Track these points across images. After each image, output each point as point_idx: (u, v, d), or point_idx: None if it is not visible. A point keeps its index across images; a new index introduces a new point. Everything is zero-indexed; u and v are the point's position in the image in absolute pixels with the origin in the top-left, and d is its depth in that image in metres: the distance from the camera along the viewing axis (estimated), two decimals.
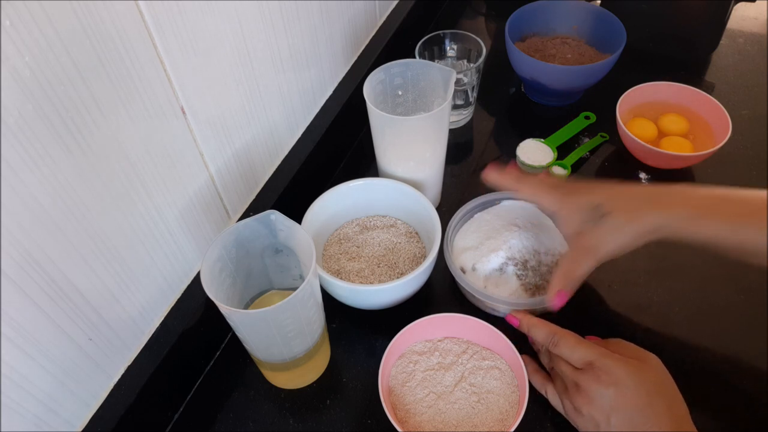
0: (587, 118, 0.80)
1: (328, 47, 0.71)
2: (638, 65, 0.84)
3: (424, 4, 0.93)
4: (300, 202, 0.63)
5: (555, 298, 0.55)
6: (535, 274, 0.61)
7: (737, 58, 0.88)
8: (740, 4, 0.88)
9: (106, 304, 0.48)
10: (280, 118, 0.66)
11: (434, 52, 0.80)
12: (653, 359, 0.50)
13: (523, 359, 0.54)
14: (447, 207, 0.72)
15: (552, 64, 0.79)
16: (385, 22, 0.86)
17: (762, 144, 0.76)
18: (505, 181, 0.60)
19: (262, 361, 0.55)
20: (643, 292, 0.64)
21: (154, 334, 0.55)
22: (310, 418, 0.57)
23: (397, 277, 0.62)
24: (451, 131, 0.77)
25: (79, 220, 0.43)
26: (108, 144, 0.44)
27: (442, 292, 0.65)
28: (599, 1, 0.89)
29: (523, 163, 0.75)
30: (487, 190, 0.67)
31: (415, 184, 0.65)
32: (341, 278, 0.62)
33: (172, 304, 0.57)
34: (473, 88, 0.78)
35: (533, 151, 0.75)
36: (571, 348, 0.51)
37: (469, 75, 0.76)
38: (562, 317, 0.62)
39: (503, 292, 0.60)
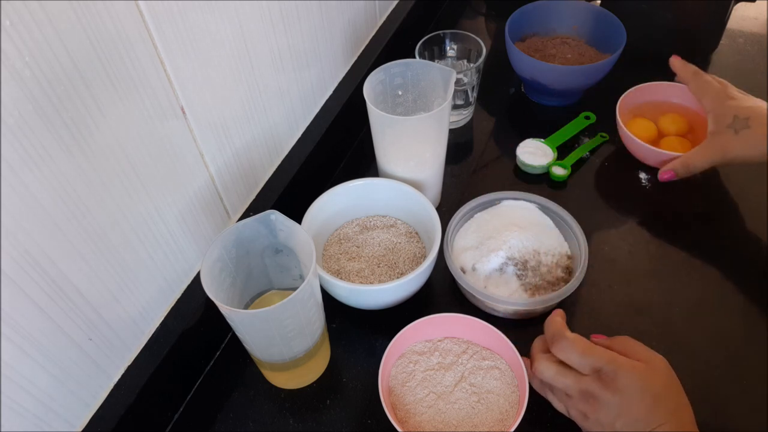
0: (587, 118, 0.80)
1: (328, 47, 0.71)
2: (638, 65, 0.84)
3: (424, 4, 0.93)
4: (300, 202, 0.63)
5: (665, 173, 0.68)
6: (535, 274, 0.61)
7: (737, 58, 0.88)
8: (740, 4, 0.88)
9: (106, 304, 0.48)
10: (280, 118, 0.66)
11: (434, 52, 0.80)
12: (660, 361, 0.49)
13: (524, 361, 0.54)
14: (447, 207, 0.72)
15: (552, 64, 0.79)
16: (385, 22, 0.86)
17: None
18: (686, 71, 0.72)
19: (262, 361, 0.55)
20: (643, 292, 0.64)
21: (154, 334, 0.55)
22: (310, 418, 0.57)
23: (397, 277, 0.62)
24: (451, 131, 0.77)
25: (79, 220, 0.43)
26: (108, 144, 0.44)
27: (442, 292, 0.65)
28: (599, 1, 0.89)
29: (523, 163, 0.75)
30: (487, 189, 0.67)
31: (415, 184, 0.65)
32: (341, 278, 0.62)
33: (172, 304, 0.57)
34: (473, 88, 0.78)
35: (533, 151, 0.75)
36: (579, 354, 0.50)
37: (469, 75, 0.76)
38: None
39: (503, 292, 0.60)
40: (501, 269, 0.61)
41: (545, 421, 0.55)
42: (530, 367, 0.54)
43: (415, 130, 0.62)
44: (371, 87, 0.62)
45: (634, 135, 0.72)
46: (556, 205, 0.65)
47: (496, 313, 0.62)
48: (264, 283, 0.59)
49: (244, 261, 0.54)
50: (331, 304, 0.61)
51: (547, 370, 0.51)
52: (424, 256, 0.64)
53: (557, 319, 0.53)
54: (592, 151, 0.78)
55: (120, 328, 0.51)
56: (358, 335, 0.62)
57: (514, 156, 0.76)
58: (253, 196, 0.65)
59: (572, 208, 0.64)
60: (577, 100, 0.84)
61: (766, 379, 0.57)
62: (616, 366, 0.48)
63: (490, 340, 0.57)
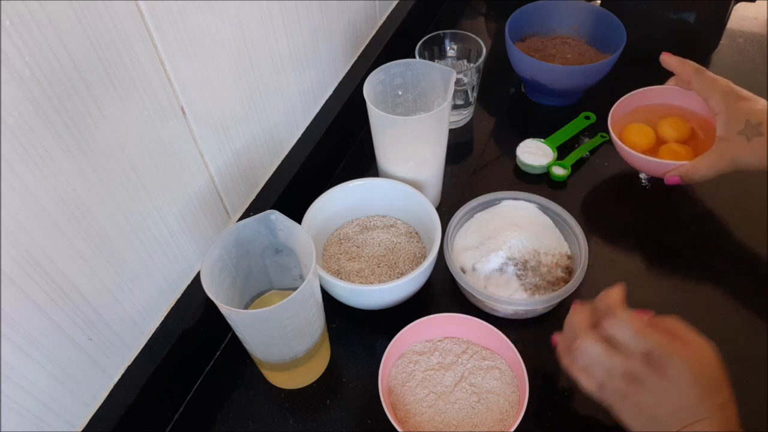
0: (587, 118, 0.80)
1: (328, 47, 0.71)
2: (638, 65, 0.84)
3: (424, 4, 0.93)
4: (300, 202, 0.63)
5: (671, 178, 0.64)
6: (535, 274, 0.61)
7: (737, 58, 0.88)
8: (740, 4, 0.88)
9: (106, 304, 0.48)
10: (280, 118, 0.66)
11: (434, 52, 0.80)
12: (711, 350, 0.47)
13: (554, 340, 0.54)
14: (447, 207, 0.72)
15: (552, 64, 0.79)
16: (385, 22, 0.86)
17: None
18: (684, 69, 0.66)
19: (262, 361, 0.55)
20: (643, 292, 0.64)
21: (154, 334, 0.55)
22: (310, 418, 0.57)
23: (397, 277, 0.62)
24: (451, 131, 0.77)
25: (79, 220, 0.43)
26: (108, 144, 0.44)
27: (442, 292, 0.65)
28: (599, 1, 0.89)
29: (523, 163, 0.75)
30: (487, 189, 0.67)
31: (415, 184, 0.65)
32: (341, 278, 0.62)
33: (172, 304, 0.57)
34: (473, 88, 0.78)
35: (533, 151, 0.75)
36: (633, 334, 0.47)
37: (469, 75, 0.76)
38: (561, 319, 0.62)
39: (503, 292, 0.60)
40: (501, 269, 0.61)
41: (545, 421, 0.55)
42: (561, 344, 0.52)
43: (415, 130, 0.62)
44: (371, 87, 0.62)
45: (631, 143, 0.69)
46: (556, 205, 0.65)
47: (496, 313, 0.62)
48: (264, 283, 0.59)
49: (244, 261, 0.54)
50: (331, 304, 0.61)
51: (593, 347, 0.48)
52: (424, 256, 0.64)
53: (617, 292, 0.50)
54: (592, 151, 0.78)
55: (120, 328, 0.51)
56: (358, 335, 0.62)
57: (514, 156, 0.76)
58: (253, 196, 0.65)
59: (572, 208, 0.64)
60: (577, 100, 0.84)
61: (766, 379, 0.57)
62: (669, 351, 0.45)
63: (490, 340, 0.57)
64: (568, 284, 0.59)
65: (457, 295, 0.65)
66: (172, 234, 0.54)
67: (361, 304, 0.62)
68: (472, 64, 0.80)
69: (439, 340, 0.58)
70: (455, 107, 0.80)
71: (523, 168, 0.76)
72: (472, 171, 0.77)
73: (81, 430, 0.49)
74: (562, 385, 0.58)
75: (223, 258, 0.51)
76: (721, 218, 0.70)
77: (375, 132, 0.65)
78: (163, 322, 0.55)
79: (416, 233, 0.67)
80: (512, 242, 0.62)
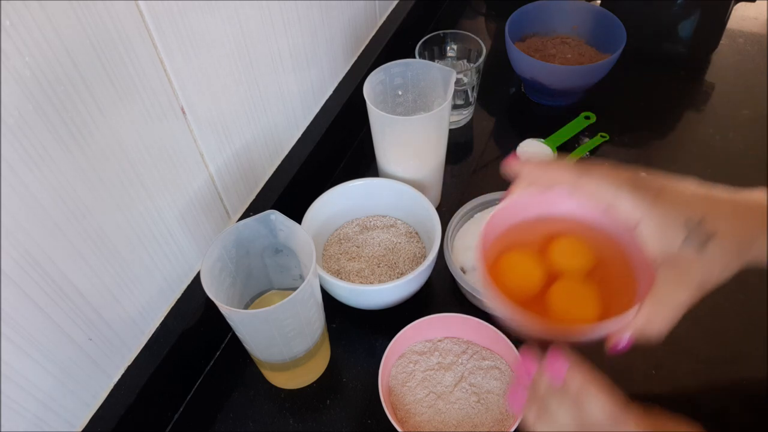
0: (587, 118, 0.80)
1: (328, 47, 0.71)
2: (638, 65, 0.84)
3: (424, 4, 0.93)
4: (300, 202, 0.63)
5: (615, 347, 0.40)
6: None
7: (737, 58, 0.88)
8: (740, 4, 0.88)
9: (106, 304, 0.48)
10: (280, 118, 0.66)
11: (434, 52, 0.80)
12: None
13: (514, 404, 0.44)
14: (447, 207, 0.72)
15: (552, 64, 0.79)
16: (385, 22, 0.86)
17: (762, 144, 0.76)
18: (559, 175, 0.42)
19: (262, 361, 0.55)
20: None
21: (154, 334, 0.55)
22: (310, 418, 0.57)
23: (397, 277, 0.62)
24: (451, 131, 0.77)
25: (79, 220, 0.43)
26: (108, 144, 0.44)
27: (442, 292, 0.65)
28: (599, 1, 0.89)
29: None
30: (487, 189, 0.67)
31: (415, 184, 0.65)
32: (341, 278, 0.62)
33: (172, 304, 0.57)
34: (473, 88, 0.78)
35: (533, 151, 0.75)
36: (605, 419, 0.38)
37: (469, 75, 0.76)
38: None
39: None
40: None
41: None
42: (531, 403, 0.42)
43: (415, 130, 0.62)
44: (371, 87, 0.62)
45: (506, 284, 0.42)
46: None
47: (496, 313, 0.62)
48: (264, 283, 0.59)
49: (244, 261, 0.54)
50: (331, 304, 0.61)
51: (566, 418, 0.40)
52: (424, 256, 0.64)
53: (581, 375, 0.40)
54: (592, 151, 0.78)
55: (120, 328, 0.51)
56: (358, 335, 0.62)
57: (514, 156, 0.76)
58: (253, 196, 0.65)
59: None
60: (577, 100, 0.84)
61: (766, 379, 0.57)
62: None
63: (490, 340, 0.57)
64: None
65: (457, 295, 0.65)
66: (172, 234, 0.54)
67: (361, 304, 0.62)
68: (472, 64, 0.80)
69: (439, 340, 0.58)
70: (455, 107, 0.80)
71: None
72: (472, 171, 0.77)
73: (81, 430, 0.49)
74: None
75: (223, 258, 0.51)
76: None
77: (375, 132, 0.65)
78: (163, 322, 0.55)
79: (416, 233, 0.67)
80: None
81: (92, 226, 0.44)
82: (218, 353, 0.62)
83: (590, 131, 0.79)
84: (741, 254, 0.40)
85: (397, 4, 0.89)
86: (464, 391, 0.55)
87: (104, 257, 0.46)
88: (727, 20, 0.86)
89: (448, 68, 0.62)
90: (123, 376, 0.52)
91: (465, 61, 0.82)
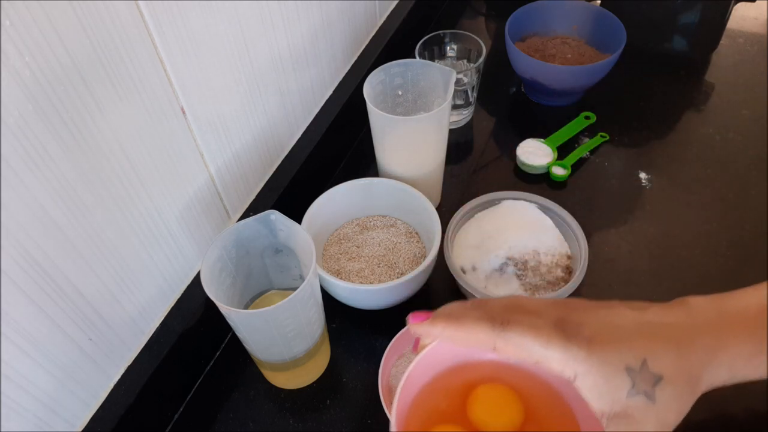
0: (587, 118, 0.80)
1: (328, 47, 0.71)
2: (638, 65, 0.84)
3: (424, 4, 0.93)
4: (300, 202, 0.63)
5: None
6: (535, 274, 0.61)
7: (737, 58, 0.88)
8: (740, 4, 0.88)
9: (106, 304, 0.48)
10: (280, 118, 0.66)
11: (434, 52, 0.80)
12: None
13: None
14: (447, 207, 0.72)
15: (552, 64, 0.79)
16: (385, 22, 0.86)
17: (762, 144, 0.76)
18: (475, 335, 0.36)
19: (262, 361, 0.55)
20: (643, 292, 0.64)
21: (154, 334, 0.55)
22: (310, 418, 0.57)
23: (397, 277, 0.62)
24: (451, 131, 0.77)
25: (79, 220, 0.43)
26: (108, 144, 0.44)
27: (442, 292, 0.65)
28: (599, 1, 0.89)
29: (523, 163, 0.75)
30: (487, 190, 0.67)
31: (415, 184, 0.65)
32: (341, 278, 0.62)
33: (172, 304, 0.57)
34: (473, 88, 0.78)
35: (533, 151, 0.75)
36: None
37: (469, 75, 0.76)
38: None
39: (503, 292, 0.60)
40: (501, 269, 0.61)
41: None
42: None
43: (415, 130, 0.62)
44: (371, 87, 0.62)
45: None
46: (556, 205, 0.65)
47: None
48: (264, 283, 0.59)
49: (244, 261, 0.54)
50: (331, 304, 0.61)
51: None
52: (424, 256, 0.64)
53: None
54: (592, 151, 0.78)
55: (120, 328, 0.51)
56: (358, 335, 0.62)
57: (514, 156, 0.76)
58: (253, 196, 0.65)
59: (572, 208, 0.64)
60: (577, 100, 0.84)
61: (766, 379, 0.57)
62: None
63: None
64: (568, 284, 0.59)
65: (457, 295, 0.65)
66: (172, 234, 0.54)
67: (361, 304, 0.62)
68: (472, 64, 0.80)
69: None
70: (455, 107, 0.80)
71: (523, 168, 0.76)
72: (472, 171, 0.77)
73: (81, 430, 0.49)
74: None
75: (223, 258, 0.51)
76: (721, 218, 0.70)
77: (375, 132, 0.65)
78: (163, 322, 0.55)
79: (416, 233, 0.67)
80: (512, 242, 0.62)
81: (92, 226, 0.44)
82: (218, 353, 0.62)
83: (590, 131, 0.79)
84: (695, 389, 0.36)
85: (397, 4, 0.89)
86: None
87: (104, 257, 0.46)
88: (727, 20, 0.86)
89: (448, 68, 0.62)
90: (123, 376, 0.52)
91: (465, 61, 0.82)
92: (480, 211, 0.67)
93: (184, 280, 0.58)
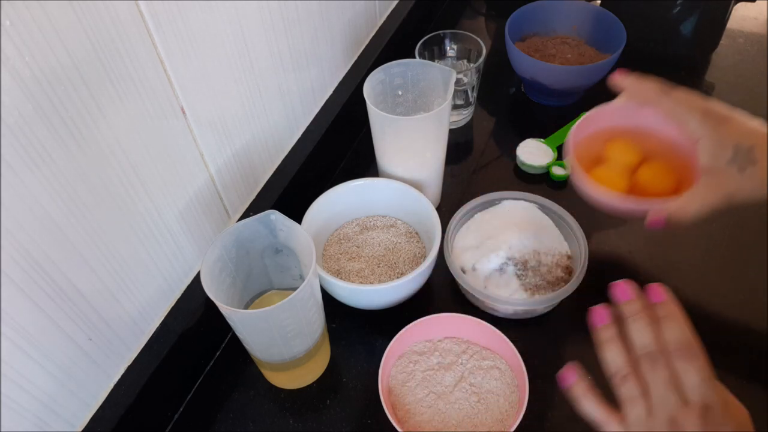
0: None
1: (328, 47, 0.71)
2: (638, 65, 0.83)
3: (424, 4, 0.93)
4: (300, 202, 0.63)
5: (655, 219, 0.53)
6: (535, 274, 0.61)
7: (737, 58, 0.88)
8: (740, 4, 0.88)
9: (106, 304, 0.48)
10: (280, 118, 0.66)
11: (434, 52, 0.80)
12: (749, 421, 0.42)
13: (568, 375, 0.45)
14: (447, 207, 0.72)
15: (552, 64, 0.79)
16: (385, 22, 0.86)
17: None
18: (646, 92, 0.54)
19: (262, 361, 0.55)
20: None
21: (154, 334, 0.55)
22: (310, 418, 0.57)
23: (397, 277, 0.62)
24: (451, 131, 0.76)
25: (79, 220, 0.43)
26: (108, 144, 0.44)
27: (442, 292, 0.65)
28: (599, 1, 0.89)
29: (523, 163, 0.75)
30: (487, 189, 0.67)
31: (415, 184, 0.65)
32: (341, 278, 0.62)
33: (172, 304, 0.57)
34: (473, 88, 0.78)
35: (533, 151, 0.75)
36: (700, 382, 0.40)
37: (469, 75, 0.76)
38: (561, 319, 0.62)
39: (503, 292, 0.60)
40: (501, 269, 0.61)
41: (545, 421, 0.55)
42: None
43: (415, 130, 0.62)
44: (371, 87, 0.62)
45: (606, 178, 0.57)
46: (556, 205, 0.65)
47: (496, 313, 0.62)
48: (264, 283, 0.59)
49: (244, 261, 0.54)
50: (331, 304, 0.61)
51: (659, 381, 0.41)
52: (424, 256, 0.64)
53: (683, 323, 0.43)
54: None
55: (120, 328, 0.51)
56: (358, 335, 0.62)
57: (514, 156, 0.76)
58: (253, 196, 0.65)
59: (572, 208, 0.64)
60: (577, 100, 0.84)
61: (766, 379, 0.57)
62: (728, 415, 0.40)
63: (490, 340, 0.57)
64: (568, 284, 0.59)
65: (457, 295, 0.65)
66: (172, 234, 0.54)
67: (361, 304, 0.62)
68: (472, 64, 0.80)
69: (439, 340, 0.58)
70: (455, 107, 0.80)
71: (523, 168, 0.76)
72: (472, 171, 0.77)
73: (81, 430, 0.49)
74: (562, 385, 0.57)
75: (223, 258, 0.51)
76: (720, 218, 0.70)
77: (375, 132, 0.65)
78: (163, 322, 0.55)
79: (416, 233, 0.67)
80: (512, 242, 0.62)
81: (92, 226, 0.44)
82: (218, 353, 0.62)
83: None
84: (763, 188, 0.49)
85: (397, 4, 0.89)
86: (464, 391, 0.55)
87: (104, 257, 0.46)
88: (727, 20, 0.86)
89: (448, 68, 0.62)
90: (123, 376, 0.52)
91: (465, 61, 0.82)
92: (480, 211, 0.67)
93: (184, 280, 0.58)
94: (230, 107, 0.57)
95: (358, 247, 0.66)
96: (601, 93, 0.82)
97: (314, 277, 0.48)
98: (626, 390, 0.42)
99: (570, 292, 0.58)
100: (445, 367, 0.56)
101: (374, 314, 0.63)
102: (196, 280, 0.58)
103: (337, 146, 0.77)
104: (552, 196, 0.67)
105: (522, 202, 0.66)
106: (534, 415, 0.55)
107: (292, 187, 0.67)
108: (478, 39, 0.78)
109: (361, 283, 0.62)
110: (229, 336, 0.63)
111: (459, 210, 0.65)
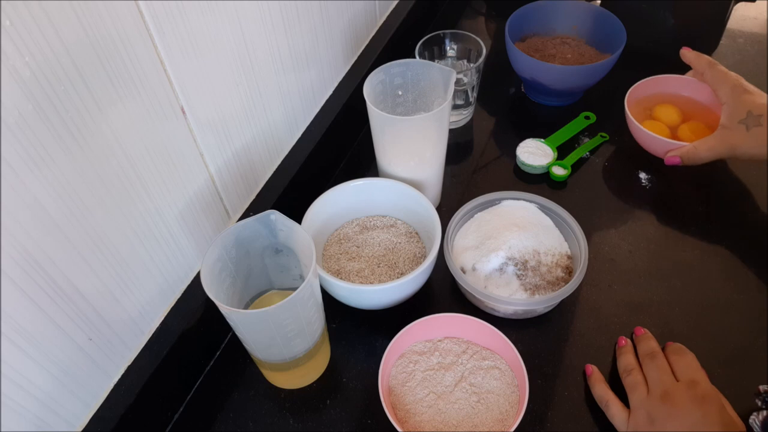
0: (587, 118, 0.80)
1: (328, 47, 0.71)
2: (638, 65, 0.83)
3: (424, 4, 0.93)
4: (300, 202, 0.63)
5: (671, 158, 0.69)
6: (535, 274, 0.61)
7: (737, 58, 0.88)
8: (740, 4, 0.88)
9: (106, 304, 0.48)
10: (280, 118, 0.66)
11: (434, 52, 0.80)
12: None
13: (588, 368, 0.57)
14: (447, 207, 0.72)
15: (552, 64, 0.79)
16: (385, 22, 0.86)
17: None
18: (699, 62, 0.72)
19: (262, 361, 0.55)
20: (643, 292, 0.64)
21: (154, 334, 0.55)
22: (310, 418, 0.57)
23: (397, 277, 0.62)
24: (451, 131, 0.77)
25: (79, 220, 0.43)
26: (108, 144, 0.44)
27: (442, 292, 0.65)
28: (599, 1, 0.89)
29: (523, 163, 0.75)
30: (487, 189, 0.67)
31: (415, 184, 0.65)
32: (341, 278, 0.62)
33: (172, 304, 0.57)
34: (473, 88, 0.78)
35: (533, 151, 0.75)
36: (688, 365, 0.53)
37: (469, 75, 0.76)
38: (561, 319, 0.62)
39: (503, 292, 0.60)
40: (501, 269, 0.61)
41: (545, 421, 0.55)
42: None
43: (415, 130, 0.62)
44: (371, 87, 0.62)
45: (649, 124, 0.73)
46: (556, 205, 0.65)
47: (496, 313, 0.62)
48: (264, 283, 0.59)
49: (244, 261, 0.54)
50: (331, 304, 0.61)
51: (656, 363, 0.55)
52: (424, 256, 0.64)
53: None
54: (592, 151, 0.78)
55: (120, 328, 0.51)
56: (358, 335, 0.62)
57: (514, 156, 0.76)
58: (253, 196, 0.65)
59: (572, 208, 0.64)
60: (577, 100, 0.84)
61: (766, 379, 0.57)
62: (711, 387, 0.51)
63: (490, 340, 0.57)
64: (568, 284, 0.59)
65: (457, 295, 0.65)
66: (172, 234, 0.54)
67: (361, 304, 0.62)
68: (472, 64, 0.80)
69: (439, 340, 0.58)
70: (455, 107, 0.80)
71: (523, 168, 0.76)
72: (472, 171, 0.77)
73: (81, 430, 0.49)
74: (562, 385, 0.58)
75: (223, 258, 0.51)
76: (721, 218, 0.70)
77: (375, 132, 0.65)
78: (163, 322, 0.55)
79: (416, 233, 0.67)
80: (512, 242, 0.62)
81: (92, 226, 0.44)
82: (218, 353, 0.62)
83: (590, 131, 0.79)
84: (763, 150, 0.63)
85: (397, 4, 0.89)
86: (464, 391, 0.55)
87: (104, 257, 0.46)
88: (727, 20, 0.86)
89: (448, 68, 0.62)
90: (123, 376, 0.52)
91: (465, 61, 0.82)
92: (480, 211, 0.67)
93: (184, 280, 0.58)
94: (230, 107, 0.57)
95: (358, 247, 0.66)
96: (601, 93, 0.82)
97: (314, 277, 0.48)
98: (630, 379, 0.54)
99: (570, 292, 0.58)
100: (445, 367, 0.56)
101: (374, 314, 0.63)
102: (196, 280, 0.58)
103: (337, 146, 0.77)
104: (552, 196, 0.67)
105: (522, 202, 0.66)
106: (534, 415, 0.55)
107: (292, 187, 0.67)
108: (478, 39, 0.78)
109: (361, 283, 0.62)
110: (229, 336, 0.63)
111: (459, 210, 0.65)
